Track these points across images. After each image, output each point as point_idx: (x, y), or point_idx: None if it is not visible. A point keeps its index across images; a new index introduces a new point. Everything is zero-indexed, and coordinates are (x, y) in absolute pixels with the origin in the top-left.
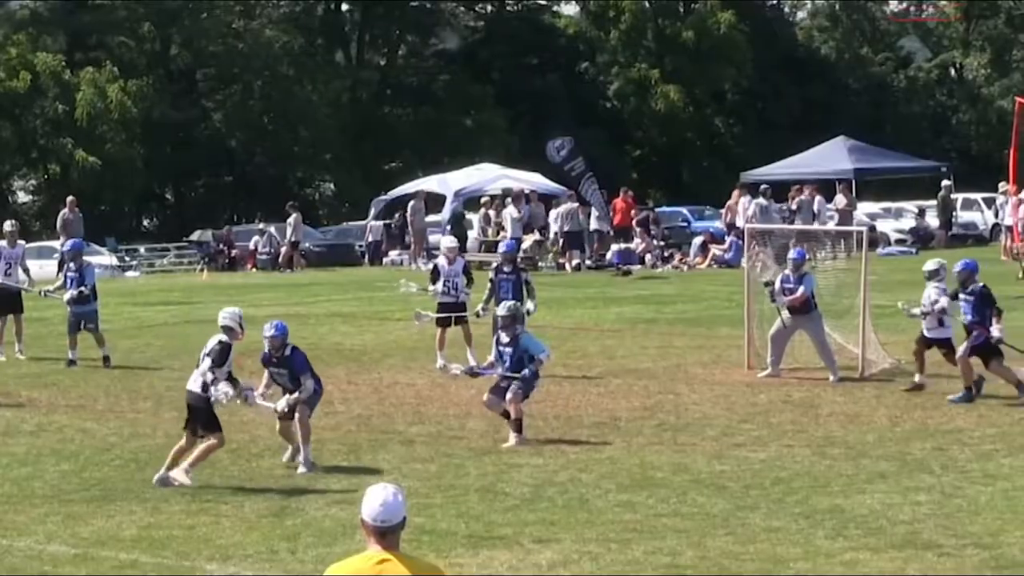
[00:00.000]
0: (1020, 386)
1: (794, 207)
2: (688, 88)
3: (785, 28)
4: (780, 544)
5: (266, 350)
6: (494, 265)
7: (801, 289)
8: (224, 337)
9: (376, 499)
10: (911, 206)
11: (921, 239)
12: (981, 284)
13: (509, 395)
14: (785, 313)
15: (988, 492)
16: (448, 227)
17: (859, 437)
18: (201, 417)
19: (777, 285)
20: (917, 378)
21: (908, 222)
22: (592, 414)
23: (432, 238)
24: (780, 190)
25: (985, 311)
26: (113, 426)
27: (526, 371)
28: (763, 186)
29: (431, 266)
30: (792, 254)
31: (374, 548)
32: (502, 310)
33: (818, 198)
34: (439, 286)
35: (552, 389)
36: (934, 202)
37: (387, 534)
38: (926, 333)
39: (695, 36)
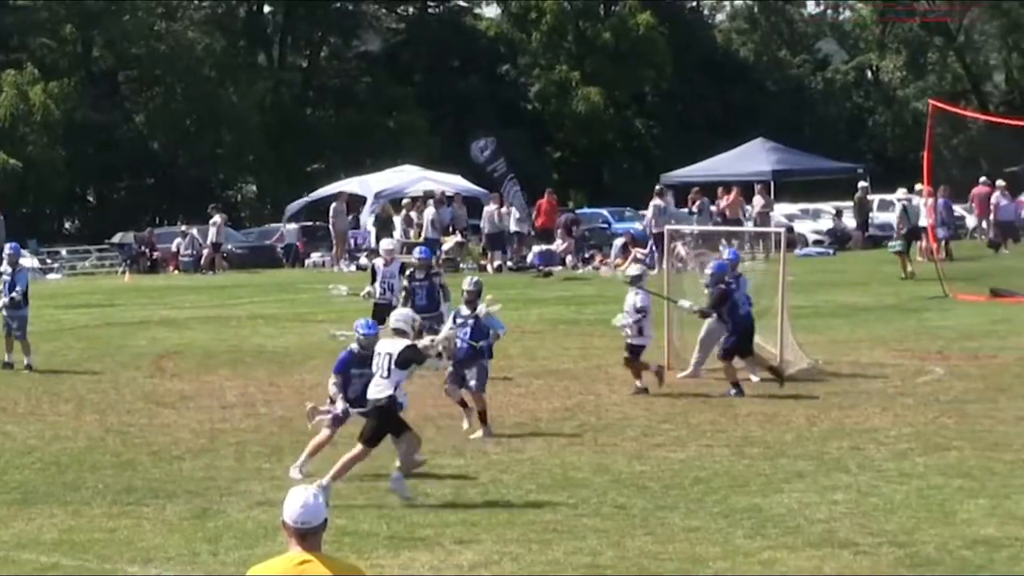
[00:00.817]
0: (773, 370)
1: (694, 209)
2: (608, 90)
3: (704, 30)
4: (699, 543)
5: (356, 349)
6: (408, 272)
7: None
8: (406, 341)
9: (297, 501)
10: (828, 207)
11: (838, 240)
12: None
13: (471, 387)
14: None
15: (903, 491)
16: (372, 230)
17: (777, 437)
18: (393, 423)
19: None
20: (639, 384)
21: (825, 223)
22: (513, 415)
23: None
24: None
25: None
26: (34, 429)
27: (484, 342)
28: (658, 187)
29: (368, 267)
30: (727, 255)
31: (295, 549)
32: (467, 284)
33: (704, 199)
34: (376, 288)
35: None
36: (851, 203)
37: (308, 536)
38: (627, 340)
39: (615, 38)
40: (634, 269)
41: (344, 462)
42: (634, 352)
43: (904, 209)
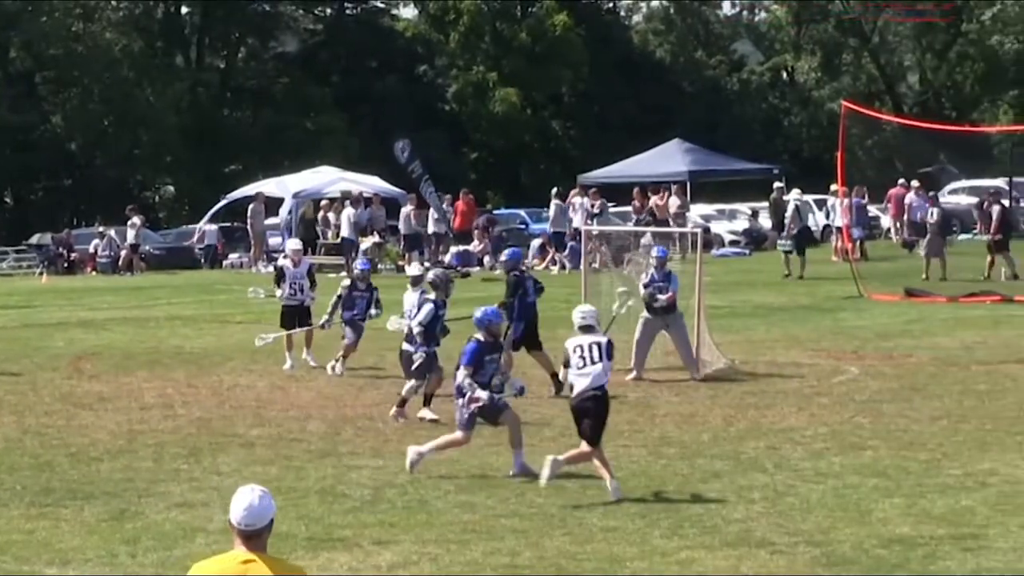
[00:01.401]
0: (555, 377)
1: (597, 211)
2: (526, 90)
3: (621, 31)
4: (617, 543)
5: (484, 338)
6: (347, 282)
7: (672, 287)
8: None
9: (242, 502)
10: (744, 208)
11: (754, 240)
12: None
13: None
14: (646, 313)
15: (819, 490)
16: (289, 231)
17: (694, 437)
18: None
19: (646, 288)
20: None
21: (742, 223)
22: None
23: (272, 240)
24: (616, 193)
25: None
26: None
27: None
28: (555, 188)
29: (273, 268)
30: (655, 252)
31: (240, 549)
32: (413, 270)
33: (601, 200)
34: (285, 289)
35: (391, 391)
36: (767, 204)
37: (252, 537)
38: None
39: (532, 39)
40: (413, 268)
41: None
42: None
43: (796, 209)
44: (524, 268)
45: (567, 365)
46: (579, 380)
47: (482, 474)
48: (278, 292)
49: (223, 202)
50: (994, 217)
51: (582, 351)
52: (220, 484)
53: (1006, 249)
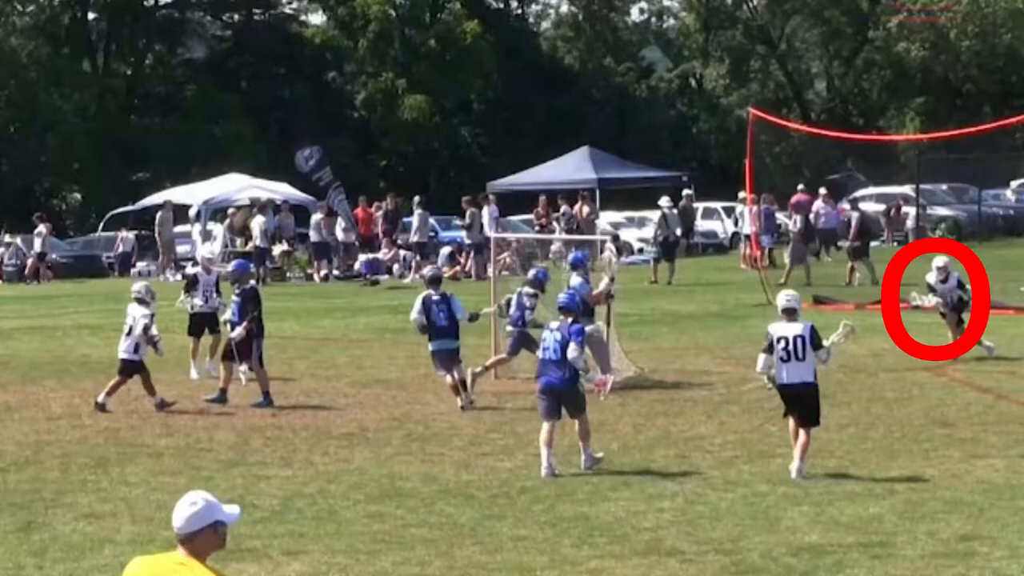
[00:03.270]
0: (266, 395)
1: (468, 220)
2: (435, 97)
3: (530, 38)
4: (527, 553)
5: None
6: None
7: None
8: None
9: (179, 508)
10: (653, 215)
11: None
12: (252, 283)
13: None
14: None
15: (728, 498)
16: (198, 239)
17: (603, 445)
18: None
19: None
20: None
21: (651, 231)
22: (341, 425)
23: (180, 248)
24: (525, 201)
25: (247, 308)
26: None
27: None
28: (417, 197)
29: (183, 276)
30: (571, 256)
31: (180, 551)
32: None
33: (489, 207)
34: (196, 297)
35: (301, 400)
36: (675, 211)
37: (184, 541)
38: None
39: (441, 45)
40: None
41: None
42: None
43: (664, 217)
44: None
45: (770, 351)
46: (784, 371)
47: (391, 484)
48: (183, 300)
49: (125, 209)
50: (853, 224)
51: (787, 344)
52: (128, 495)
53: (865, 255)
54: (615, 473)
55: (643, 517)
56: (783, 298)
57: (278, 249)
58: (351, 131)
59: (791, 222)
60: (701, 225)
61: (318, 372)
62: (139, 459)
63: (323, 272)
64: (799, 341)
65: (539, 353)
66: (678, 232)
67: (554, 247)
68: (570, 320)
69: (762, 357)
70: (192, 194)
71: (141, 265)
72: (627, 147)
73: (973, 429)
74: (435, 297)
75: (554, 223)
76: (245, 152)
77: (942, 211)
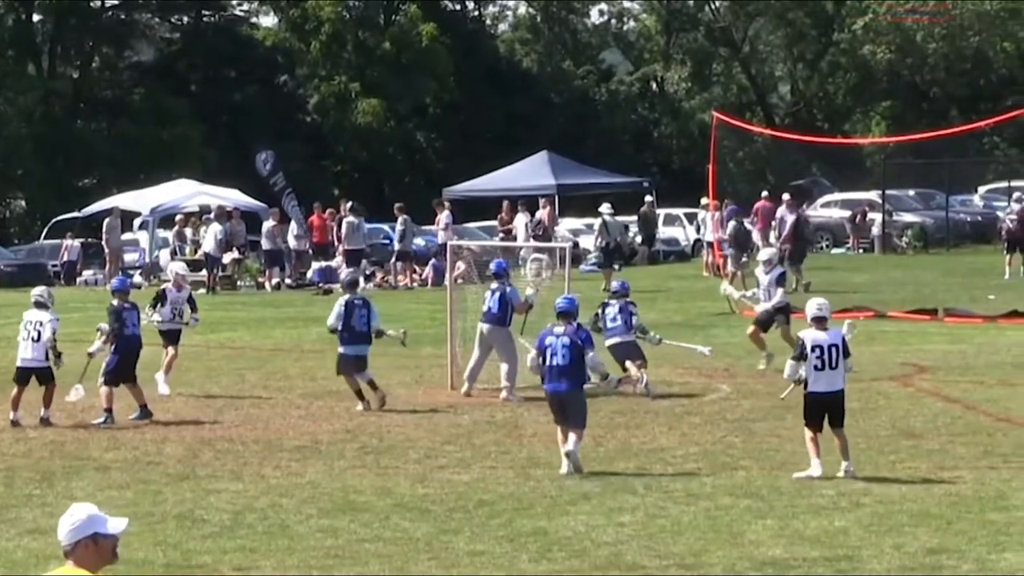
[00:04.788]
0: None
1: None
2: (389, 101)
3: (487, 41)
4: (484, 568)
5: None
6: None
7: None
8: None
9: (61, 521)
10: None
11: (624, 256)
12: (115, 303)
13: None
14: (486, 327)
15: (691, 512)
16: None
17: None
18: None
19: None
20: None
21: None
22: (293, 437)
23: (128, 256)
24: (482, 207)
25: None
26: None
27: None
28: (350, 203)
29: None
30: (493, 265)
31: (68, 563)
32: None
33: (405, 217)
34: (165, 313)
35: (252, 412)
36: (616, 218)
37: (68, 554)
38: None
39: (396, 48)
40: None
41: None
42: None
43: (604, 224)
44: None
45: (801, 358)
46: (819, 379)
47: (345, 498)
48: (155, 317)
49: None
50: (787, 227)
51: (821, 352)
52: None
53: (799, 261)
54: (574, 486)
55: (603, 531)
56: (814, 306)
57: (228, 257)
58: (303, 136)
59: (727, 228)
60: (663, 232)
61: (269, 383)
62: (85, 473)
63: (274, 280)
64: (834, 350)
65: (527, 360)
66: (619, 239)
67: (523, 253)
68: (575, 324)
69: (791, 363)
70: (140, 200)
71: (88, 273)
72: (587, 152)
73: (940, 440)
74: (357, 301)
75: (517, 229)
76: (194, 157)
77: (909, 217)
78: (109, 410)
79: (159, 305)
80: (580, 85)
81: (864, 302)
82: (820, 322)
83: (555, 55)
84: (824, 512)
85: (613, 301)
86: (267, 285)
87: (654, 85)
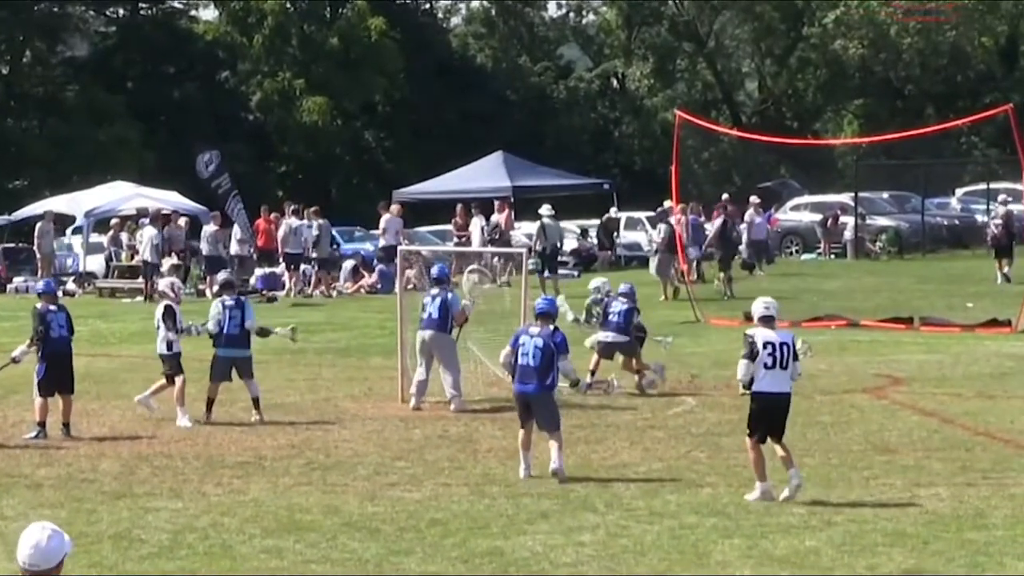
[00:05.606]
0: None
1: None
2: (336, 99)
3: (439, 35)
4: None
5: None
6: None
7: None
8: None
9: (29, 540)
10: (573, 226)
11: (584, 261)
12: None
13: None
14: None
15: (654, 531)
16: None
17: (517, 474)
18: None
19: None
20: None
21: (570, 243)
22: (235, 453)
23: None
24: (433, 209)
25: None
26: None
27: None
28: (292, 206)
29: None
30: (435, 270)
31: None
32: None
33: (320, 221)
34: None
35: (191, 426)
36: (596, 221)
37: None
38: None
39: (343, 43)
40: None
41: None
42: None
43: (543, 227)
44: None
45: (752, 357)
46: (769, 379)
47: (290, 517)
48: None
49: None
50: (713, 230)
51: (774, 349)
52: (4, 529)
53: (727, 267)
54: (531, 504)
55: (562, 551)
56: (761, 305)
57: (167, 263)
58: (246, 135)
59: (656, 231)
60: (624, 236)
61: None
62: (16, 490)
63: (216, 288)
64: (785, 348)
65: (500, 357)
66: (557, 244)
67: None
68: (552, 327)
69: (744, 363)
70: (74, 203)
71: (18, 280)
72: (544, 152)
73: (916, 455)
74: (228, 302)
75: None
76: (131, 158)
77: (883, 221)
78: (42, 424)
79: (172, 323)
80: (537, 82)
81: (836, 310)
82: (768, 322)
83: (511, 50)
84: (794, 531)
85: (622, 299)
86: (208, 292)
87: (615, 82)
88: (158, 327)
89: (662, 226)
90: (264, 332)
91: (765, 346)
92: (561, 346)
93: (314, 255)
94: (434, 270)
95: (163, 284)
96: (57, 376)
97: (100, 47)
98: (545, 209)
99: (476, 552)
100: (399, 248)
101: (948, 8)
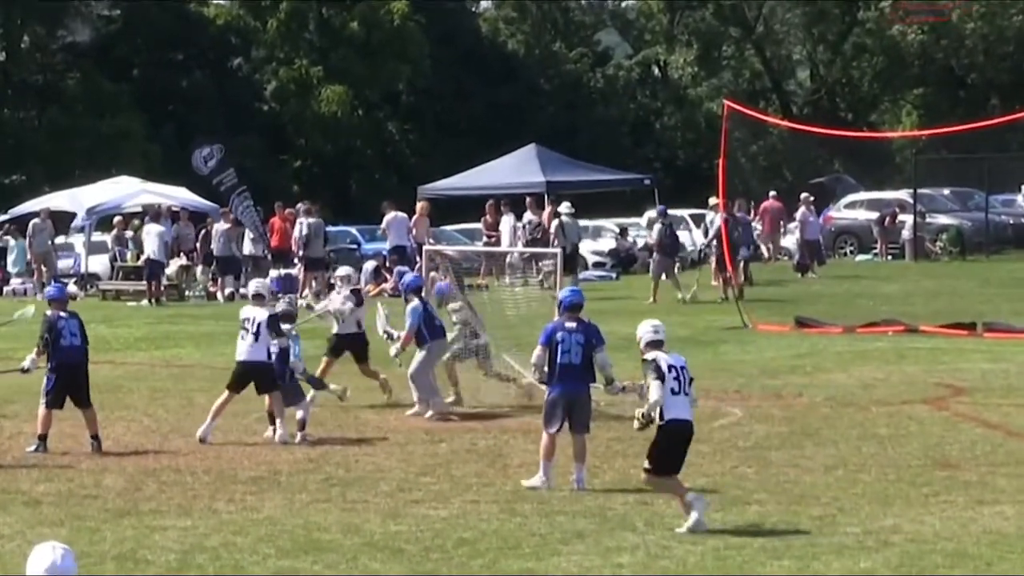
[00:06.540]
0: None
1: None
2: (357, 88)
3: (467, 20)
4: None
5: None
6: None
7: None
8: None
9: (42, 562)
10: (611, 224)
11: (623, 262)
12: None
13: None
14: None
15: (698, 552)
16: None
17: (553, 491)
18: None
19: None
20: None
21: (608, 243)
22: (249, 467)
23: (62, 263)
24: (461, 207)
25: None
26: None
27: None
28: (301, 205)
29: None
30: (407, 280)
31: None
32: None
33: (312, 220)
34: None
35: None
36: (636, 220)
37: None
38: None
39: (364, 29)
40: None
41: None
42: None
43: (561, 226)
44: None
45: (662, 379)
46: (676, 405)
47: (307, 536)
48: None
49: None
50: (711, 228)
51: (678, 374)
52: (0, 548)
53: (725, 269)
54: (566, 522)
55: (599, 573)
56: (650, 329)
57: (175, 263)
58: (259, 127)
59: (651, 232)
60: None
61: None
62: (13, 508)
63: (228, 290)
64: (684, 373)
65: (532, 358)
66: (576, 243)
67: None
68: (587, 319)
69: (656, 384)
70: (75, 200)
71: (16, 283)
72: (580, 145)
73: (980, 471)
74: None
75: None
76: (136, 151)
77: (943, 219)
78: (43, 437)
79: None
80: (572, 70)
81: (893, 315)
82: (658, 346)
83: (544, 36)
84: (848, 552)
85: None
86: (219, 295)
87: (656, 70)
88: (257, 334)
89: (657, 226)
90: (316, 383)
91: (670, 369)
92: (600, 338)
93: (300, 254)
94: (408, 277)
95: (254, 285)
96: (68, 388)
97: (103, 32)
98: (564, 207)
99: (507, 574)
100: (424, 248)
101: (948, 8)
